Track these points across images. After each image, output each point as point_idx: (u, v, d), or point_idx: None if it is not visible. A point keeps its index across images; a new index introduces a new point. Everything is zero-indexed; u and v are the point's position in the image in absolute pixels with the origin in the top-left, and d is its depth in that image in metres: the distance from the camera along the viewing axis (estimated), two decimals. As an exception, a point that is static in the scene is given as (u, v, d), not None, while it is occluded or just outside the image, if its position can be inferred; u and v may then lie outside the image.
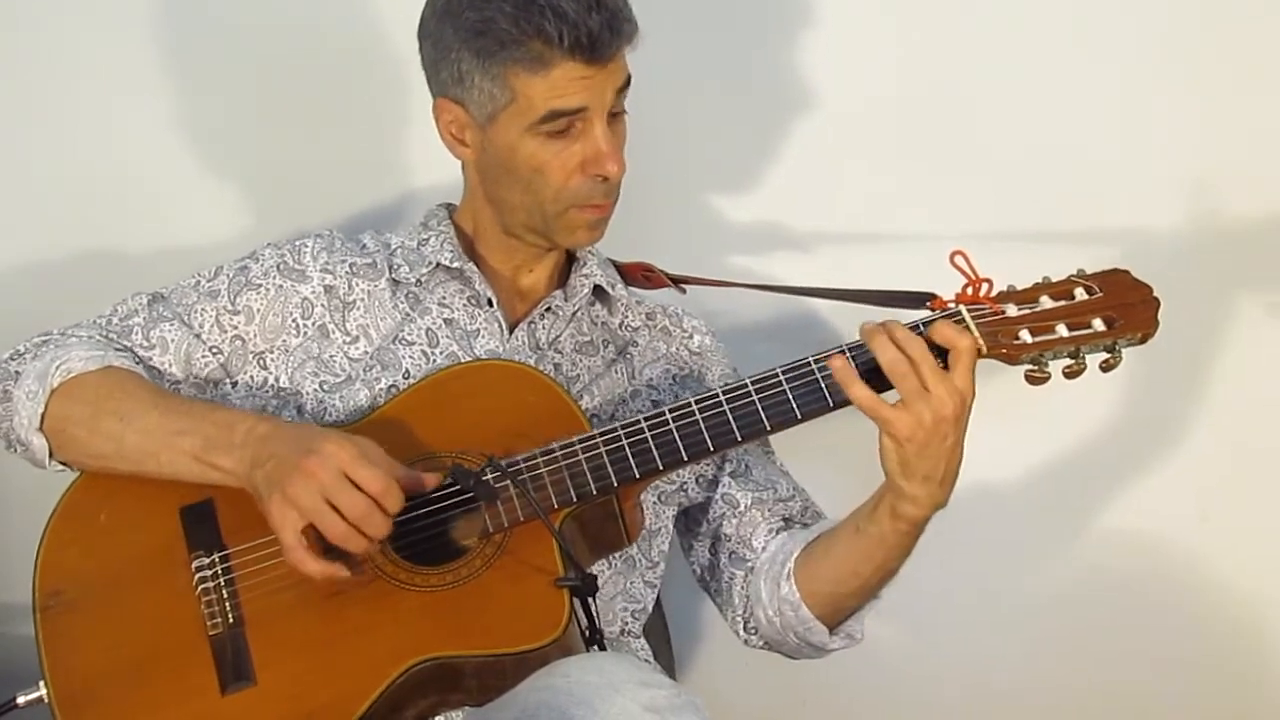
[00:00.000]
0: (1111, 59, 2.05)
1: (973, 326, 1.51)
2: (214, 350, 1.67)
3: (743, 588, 1.71)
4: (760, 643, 1.72)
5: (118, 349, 1.64)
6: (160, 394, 1.60)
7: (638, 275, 1.78)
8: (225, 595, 1.49)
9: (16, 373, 1.62)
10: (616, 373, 1.73)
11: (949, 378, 1.46)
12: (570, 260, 1.76)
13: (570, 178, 1.60)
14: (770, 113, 2.06)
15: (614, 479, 1.52)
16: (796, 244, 2.07)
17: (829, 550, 1.62)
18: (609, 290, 1.75)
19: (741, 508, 1.73)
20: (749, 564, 1.71)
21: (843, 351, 1.52)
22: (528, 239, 1.69)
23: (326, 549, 1.46)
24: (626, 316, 1.78)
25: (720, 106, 2.06)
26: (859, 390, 1.47)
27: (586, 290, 1.73)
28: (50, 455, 1.59)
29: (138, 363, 1.64)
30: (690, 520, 1.78)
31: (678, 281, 1.78)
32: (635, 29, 1.58)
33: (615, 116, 1.61)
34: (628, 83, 1.60)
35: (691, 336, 1.79)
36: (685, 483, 1.74)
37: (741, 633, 1.73)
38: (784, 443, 1.73)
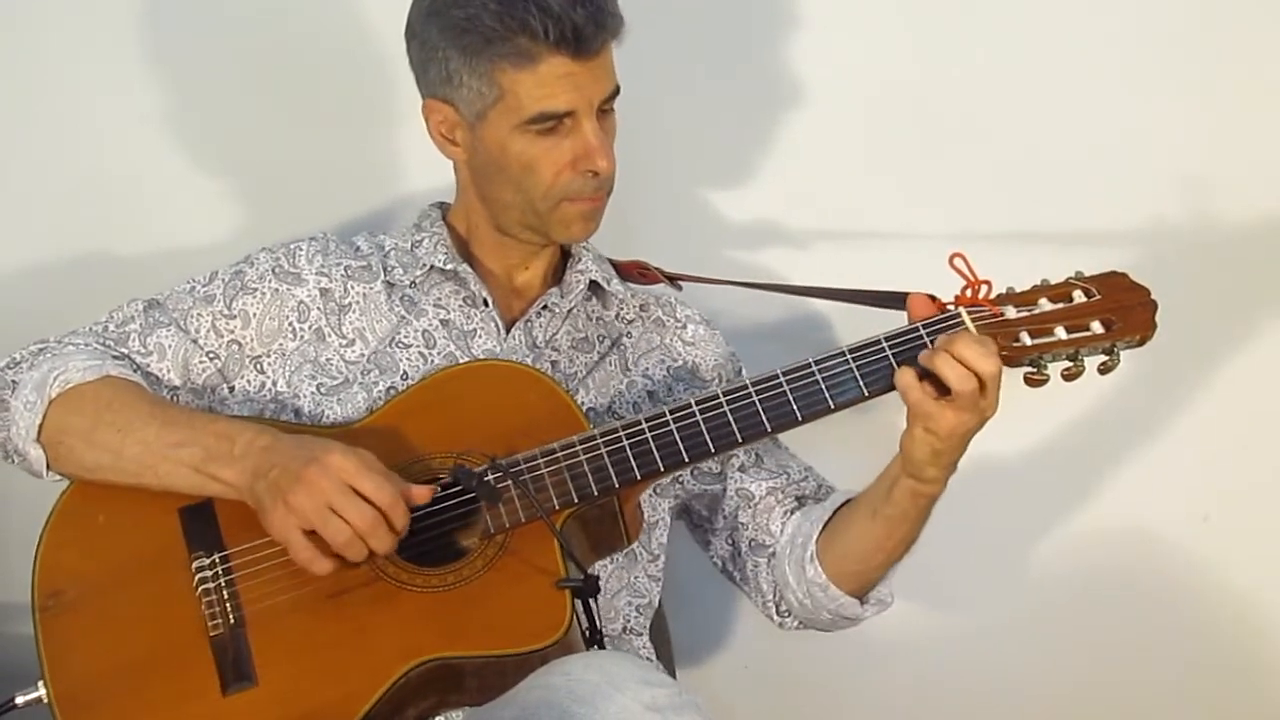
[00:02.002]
0: (1112, 60, 2.05)
1: (971, 328, 1.51)
2: (211, 355, 1.67)
3: (768, 574, 1.72)
4: (795, 623, 1.73)
5: (115, 356, 1.64)
6: (159, 404, 1.59)
7: (633, 273, 1.78)
8: (226, 596, 1.49)
9: (14, 382, 1.61)
10: (610, 365, 1.73)
11: (997, 390, 1.48)
12: (565, 258, 1.76)
13: (561, 174, 1.60)
14: (770, 110, 2.06)
15: (615, 480, 1.51)
16: (795, 243, 2.06)
17: (850, 532, 1.64)
18: (604, 286, 1.75)
19: (757, 498, 1.73)
20: (770, 549, 1.72)
21: (843, 353, 1.52)
22: (522, 236, 1.68)
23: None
24: (621, 309, 1.77)
25: (719, 104, 2.06)
26: (915, 394, 1.48)
27: (582, 287, 1.73)
28: (48, 466, 1.58)
29: (135, 370, 1.64)
30: (703, 516, 1.78)
31: (673, 279, 1.77)
32: (620, 23, 1.57)
33: (604, 113, 1.61)
34: (616, 92, 1.60)
35: (685, 326, 1.79)
36: (682, 475, 1.74)
37: (775, 616, 1.74)
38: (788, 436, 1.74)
